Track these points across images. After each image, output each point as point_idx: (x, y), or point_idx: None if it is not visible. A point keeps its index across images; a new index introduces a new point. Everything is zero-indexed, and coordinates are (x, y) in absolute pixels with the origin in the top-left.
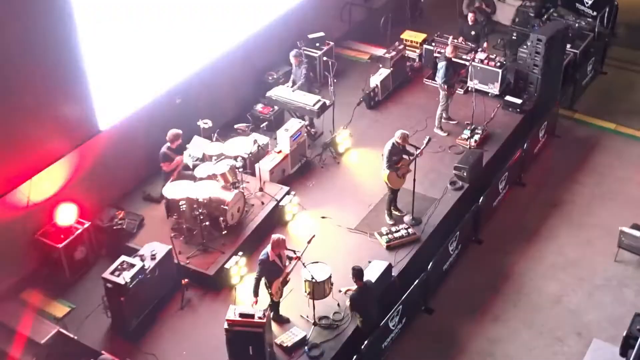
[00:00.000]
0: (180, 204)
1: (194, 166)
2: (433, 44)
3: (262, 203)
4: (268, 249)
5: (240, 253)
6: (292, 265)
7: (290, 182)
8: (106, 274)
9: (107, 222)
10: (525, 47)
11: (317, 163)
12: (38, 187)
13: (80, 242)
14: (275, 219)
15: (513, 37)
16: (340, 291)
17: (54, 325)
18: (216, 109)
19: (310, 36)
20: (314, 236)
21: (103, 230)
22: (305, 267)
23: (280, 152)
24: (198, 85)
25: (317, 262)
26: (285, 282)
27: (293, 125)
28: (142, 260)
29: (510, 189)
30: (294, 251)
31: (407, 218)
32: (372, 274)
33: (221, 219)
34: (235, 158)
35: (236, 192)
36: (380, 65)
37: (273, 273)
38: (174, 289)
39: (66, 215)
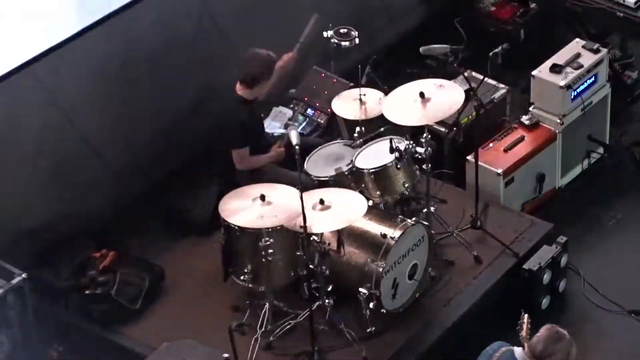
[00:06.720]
0: (262, 242)
1: (305, 146)
2: None
3: (477, 260)
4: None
5: None
6: None
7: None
8: None
9: (66, 280)
10: None
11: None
12: None
13: None
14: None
15: None
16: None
17: None
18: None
19: None
20: None
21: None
22: None
23: (537, 124)
24: None
25: None
26: None
27: (576, 54)
28: None
29: None
30: None
31: None
32: None
33: (363, 292)
34: (414, 137)
35: (411, 226)
36: None
37: None
38: None
39: None
